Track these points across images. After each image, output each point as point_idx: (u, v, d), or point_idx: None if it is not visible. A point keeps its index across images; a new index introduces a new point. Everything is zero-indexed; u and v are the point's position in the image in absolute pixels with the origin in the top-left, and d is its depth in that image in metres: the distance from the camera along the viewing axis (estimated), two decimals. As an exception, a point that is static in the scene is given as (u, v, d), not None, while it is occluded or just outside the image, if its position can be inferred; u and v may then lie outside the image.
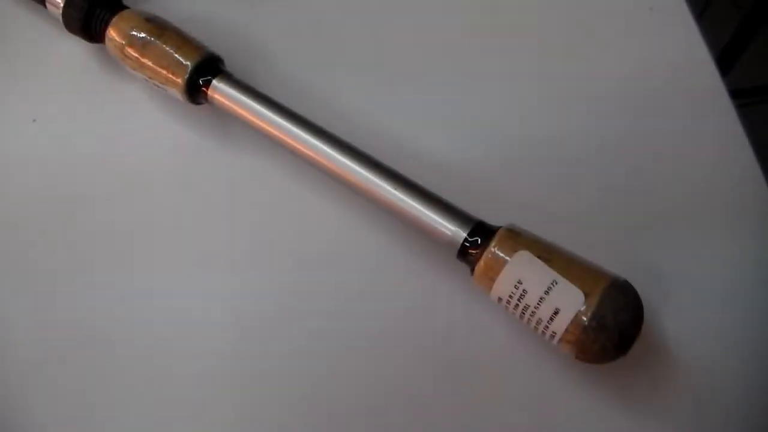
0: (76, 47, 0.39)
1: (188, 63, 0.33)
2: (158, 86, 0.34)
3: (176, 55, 0.33)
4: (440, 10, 0.39)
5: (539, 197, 0.33)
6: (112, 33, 0.35)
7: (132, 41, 0.34)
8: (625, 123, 0.35)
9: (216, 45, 0.35)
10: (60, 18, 0.37)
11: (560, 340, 0.27)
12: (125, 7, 0.37)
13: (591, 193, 0.34)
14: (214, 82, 0.33)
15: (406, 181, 0.30)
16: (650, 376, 0.30)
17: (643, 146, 0.34)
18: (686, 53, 0.36)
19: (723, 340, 0.30)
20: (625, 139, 0.35)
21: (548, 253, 0.27)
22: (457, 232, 0.28)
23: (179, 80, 0.33)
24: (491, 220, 0.29)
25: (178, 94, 0.34)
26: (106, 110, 0.38)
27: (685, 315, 0.30)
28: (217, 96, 0.33)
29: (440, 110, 0.36)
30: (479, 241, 0.28)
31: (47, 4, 0.38)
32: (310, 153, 0.31)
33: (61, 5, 0.37)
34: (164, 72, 0.33)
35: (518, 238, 0.28)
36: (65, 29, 0.38)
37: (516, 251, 0.27)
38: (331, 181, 0.32)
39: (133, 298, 0.33)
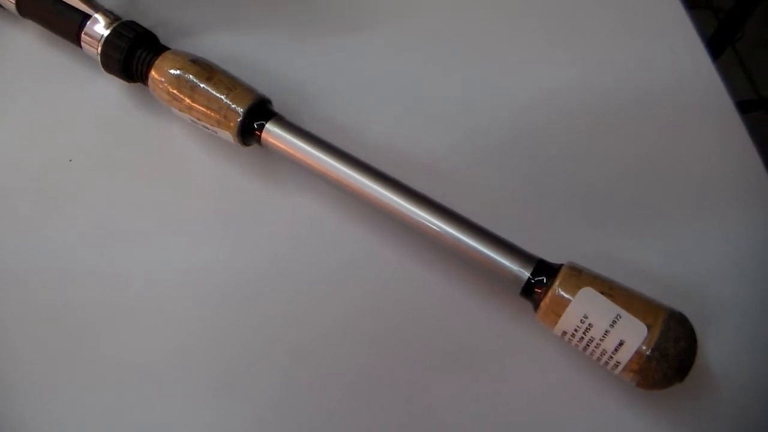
0: (110, 86, 0.39)
1: (241, 108, 0.33)
2: (207, 128, 0.35)
3: (227, 100, 0.33)
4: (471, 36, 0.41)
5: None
6: (156, 75, 0.35)
7: (180, 84, 0.34)
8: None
9: (254, 83, 0.35)
10: (97, 58, 0.37)
11: (623, 369, 0.28)
12: (166, 48, 0.37)
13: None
14: (268, 125, 0.33)
15: (467, 221, 0.31)
16: (697, 395, 0.32)
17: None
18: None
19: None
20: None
21: (609, 289, 0.29)
22: (520, 272, 0.30)
23: (232, 124, 0.33)
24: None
25: (229, 137, 0.34)
26: (145, 149, 0.38)
27: (727, 334, 0.33)
28: (270, 139, 0.33)
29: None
30: (545, 280, 0.30)
31: (82, 44, 0.38)
32: (370, 195, 0.32)
33: (99, 45, 0.37)
34: (215, 115, 0.34)
35: (580, 276, 0.29)
36: (102, 69, 0.37)
37: (580, 288, 0.29)
38: (388, 221, 0.33)
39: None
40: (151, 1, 0.42)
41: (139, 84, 0.38)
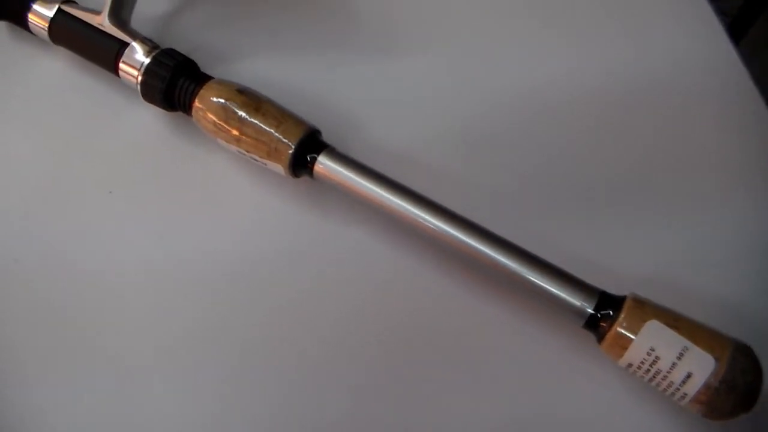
0: (147, 114, 0.38)
1: (292, 141, 0.33)
2: (256, 160, 0.34)
3: (278, 132, 0.33)
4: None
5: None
6: (200, 105, 0.35)
7: (227, 115, 0.34)
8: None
9: (296, 108, 0.35)
10: (136, 87, 0.36)
11: (691, 400, 0.29)
12: (209, 76, 0.36)
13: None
14: (320, 158, 0.33)
15: (528, 254, 0.31)
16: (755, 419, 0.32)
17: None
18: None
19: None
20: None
21: (675, 321, 0.29)
22: (584, 305, 0.30)
23: (284, 157, 0.33)
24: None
25: (280, 170, 0.34)
26: (187, 180, 0.37)
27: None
28: (323, 172, 0.33)
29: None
30: (611, 313, 0.30)
31: (120, 73, 0.37)
32: (426, 228, 0.32)
33: (139, 74, 0.36)
34: (266, 148, 0.33)
35: (645, 308, 0.29)
36: (141, 98, 0.37)
37: (645, 321, 0.29)
38: (443, 253, 0.33)
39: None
40: (184, 26, 0.42)
41: (179, 113, 0.37)
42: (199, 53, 0.38)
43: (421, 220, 0.32)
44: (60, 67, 0.40)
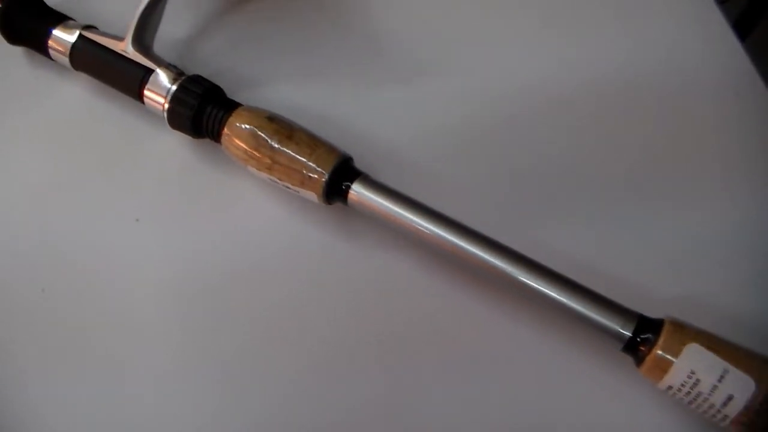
0: (172, 140, 0.38)
1: (326, 169, 0.33)
2: (289, 188, 0.34)
3: (311, 160, 0.33)
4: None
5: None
6: (230, 133, 0.34)
7: (258, 143, 0.34)
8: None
9: (324, 133, 0.35)
10: (162, 114, 0.36)
11: (732, 422, 0.29)
12: (237, 103, 0.36)
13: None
14: (354, 186, 0.33)
15: (564, 279, 0.31)
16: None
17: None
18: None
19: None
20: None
21: (714, 344, 0.29)
22: (622, 329, 0.30)
23: (317, 185, 0.33)
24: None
25: (314, 197, 0.33)
26: (215, 206, 0.37)
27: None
28: (357, 199, 0.33)
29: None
30: (650, 338, 0.30)
31: (145, 100, 0.37)
32: (461, 253, 0.32)
33: (166, 102, 0.36)
34: (299, 176, 0.33)
35: (684, 331, 0.30)
36: (167, 124, 0.36)
37: (685, 344, 0.29)
38: (477, 278, 0.33)
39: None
40: (204, 50, 0.41)
41: (205, 139, 0.37)
42: (222, 78, 0.38)
43: (455, 246, 0.32)
44: (81, 93, 0.40)
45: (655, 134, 0.38)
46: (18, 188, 0.38)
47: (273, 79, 0.40)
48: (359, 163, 0.35)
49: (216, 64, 0.40)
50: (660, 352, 0.29)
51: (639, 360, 0.30)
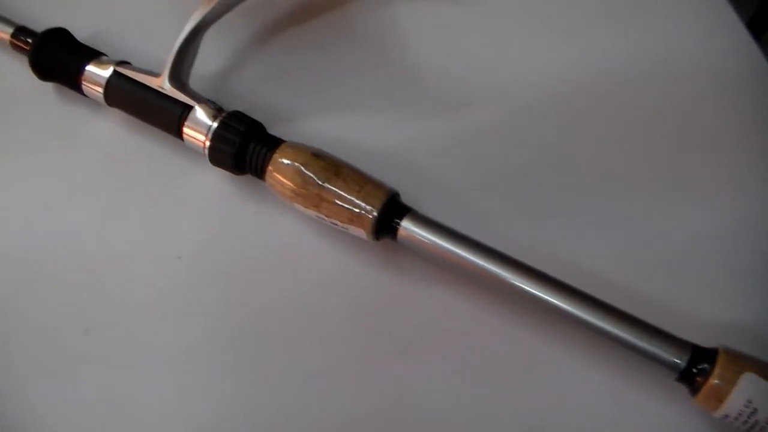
0: (210, 176, 0.38)
1: (375, 206, 0.33)
2: (337, 225, 0.34)
3: (360, 198, 0.33)
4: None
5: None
6: (275, 172, 0.34)
7: (305, 181, 0.34)
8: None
9: (366, 168, 0.35)
10: (202, 151, 0.36)
11: (788, 449, 0.30)
12: (279, 139, 0.36)
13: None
14: (404, 223, 0.33)
15: (617, 310, 0.31)
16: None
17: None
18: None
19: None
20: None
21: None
22: (677, 360, 0.30)
23: (366, 222, 0.33)
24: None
25: (362, 234, 0.33)
26: (258, 242, 0.37)
27: None
28: (407, 236, 0.33)
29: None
30: (706, 368, 0.30)
31: (185, 137, 0.36)
32: (511, 286, 0.32)
33: (207, 139, 0.36)
34: (348, 213, 0.33)
35: (738, 360, 0.30)
36: (208, 161, 0.36)
37: (740, 374, 0.30)
38: (527, 310, 0.33)
39: None
40: (238, 84, 0.41)
41: (246, 175, 0.37)
42: (258, 112, 0.37)
43: (504, 279, 0.32)
44: (114, 129, 0.40)
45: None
46: (57, 227, 0.38)
47: (309, 112, 0.40)
48: (405, 198, 0.35)
49: (251, 97, 0.40)
50: (716, 381, 0.30)
51: (694, 389, 0.31)
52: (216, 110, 0.36)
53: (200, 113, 0.36)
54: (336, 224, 0.34)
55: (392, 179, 0.35)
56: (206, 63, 0.39)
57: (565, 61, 0.41)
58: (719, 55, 0.40)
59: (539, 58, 0.41)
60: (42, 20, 0.42)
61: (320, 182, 0.33)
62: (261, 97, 0.40)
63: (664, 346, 0.31)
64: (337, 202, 0.33)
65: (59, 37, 0.41)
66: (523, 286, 0.32)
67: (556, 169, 0.38)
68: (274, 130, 0.37)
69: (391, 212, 0.33)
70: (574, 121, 0.39)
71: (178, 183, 0.38)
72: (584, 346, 0.33)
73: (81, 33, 0.42)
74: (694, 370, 0.30)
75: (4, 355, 0.35)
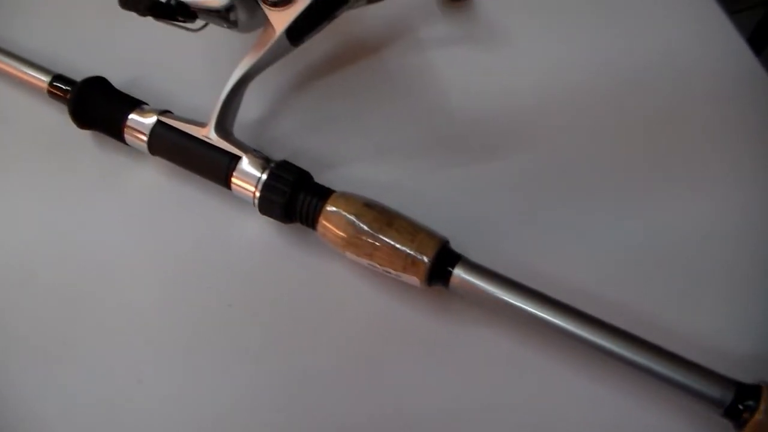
0: (257, 223, 0.38)
1: (427, 255, 0.34)
2: (390, 273, 0.35)
3: (412, 247, 0.34)
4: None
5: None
6: (327, 222, 0.35)
7: (358, 231, 0.34)
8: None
9: (414, 214, 0.36)
10: (251, 200, 0.37)
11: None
12: (328, 189, 0.37)
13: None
14: (456, 270, 0.34)
15: (662, 350, 0.32)
16: None
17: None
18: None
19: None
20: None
21: (811, 407, 0.32)
22: (723, 396, 0.32)
23: (420, 271, 0.34)
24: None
25: (416, 282, 0.34)
26: (308, 289, 0.37)
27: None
28: (459, 283, 0.34)
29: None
30: (752, 404, 0.32)
31: (233, 186, 0.37)
32: (560, 328, 0.33)
33: (257, 190, 0.36)
34: (401, 262, 0.34)
35: (781, 395, 0.32)
36: (257, 210, 0.37)
37: (784, 408, 0.32)
38: (575, 352, 0.34)
39: None
40: (280, 131, 0.42)
41: (295, 224, 0.37)
42: (300, 159, 0.38)
43: (553, 323, 0.33)
44: (157, 177, 0.40)
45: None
46: (104, 275, 0.38)
47: (350, 158, 0.40)
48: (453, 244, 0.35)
49: (292, 144, 0.41)
50: (761, 417, 0.31)
51: (740, 424, 0.32)
52: (263, 160, 0.37)
53: (248, 163, 0.37)
54: (389, 272, 0.35)
55: (437, 222, 0.36)
56: (246, 110, 0.40)
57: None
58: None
59: (575, 99, 0.42)
60: (75, 66, 0.42)
61: (373, 233, 0.34)
62: (301, 144, 0.41)
63: (710, 383, 0.32)
64: (391, 251, 0.34)
65: (98, 85, 0.41)
66: (574, 330, 0.33)
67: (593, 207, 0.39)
68: (317, 176, 0.38)
69: (443, 260, 0.34)
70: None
71: (225, 231, 0.39)
72: (630, 382, 0.34)
73: (115, 79, 0.42)
74: (740, 407, 0.32)
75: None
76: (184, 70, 0.45)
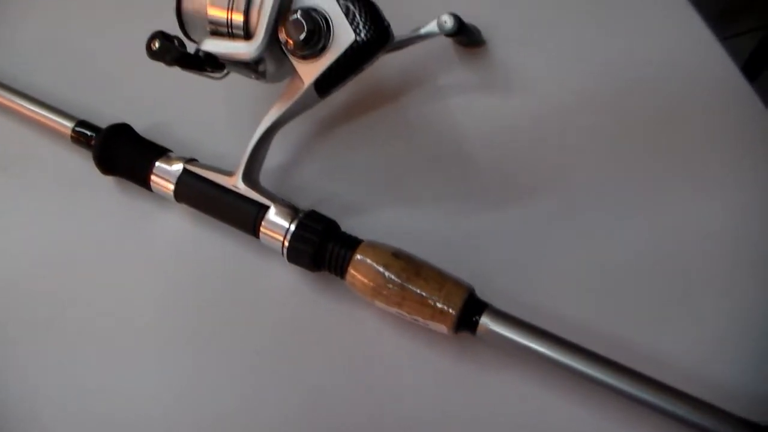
0: (282, 270, 0.39)
1: (456, 303, 0.34)
2: (417, 321, 0.36)
3: (440, 297, 0.34)
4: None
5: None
6: (356, 272, 0.36)
7: (386, 280, 0.35)
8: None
9: (437, 261, 0.36)
10: (278, 249, 0.37)
11: None
12: (356, 239, 0.37)
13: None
14: (483, 319, 0.35)
15: (691, 398, 0.33)
16: None
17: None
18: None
19: None
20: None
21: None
22: (744, 440, 0.33)
23: (448, 319, 0.35)
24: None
25: (443, 329, 0.35)
26: (335, 337, 0.38)
27: None
28: (486, 331, 0.35)
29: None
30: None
31: (261, 236, 0.38)
32: (588, 375, 0.34)
33: (285, 239, 0.37)
34: (429, 311, 0.35)
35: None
36: (286, 259, 0.37)
37: (801, 453, 0.33)
38: (601, 398, 0.35)
39: None
40: (303, 179, 0.42)
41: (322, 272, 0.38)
42: (324, 206, 0.39)
43: (581, 371, 0.34)
44: (182, 224, 0.41)
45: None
46: (129, 322, 0.39)
47: (373, 204, 0.41)
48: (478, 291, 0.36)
49: (315, 191, 0.41)
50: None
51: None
52: (291, 209, 0.38)
53: (276, 213, 0.37)
54: (417, 320, 0.36)
55: (461, 265, 0.36)
56: (268, 157, 0.40)
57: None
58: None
59: (594, 141, 0.42)
60: (96, 110, 0.43)
61: (402, 282, 0.35)
62: (324, 191, 0.41)
63: (731, 427, 0.34)
64: (419, 301, 0.35)
65: (123, 132, 0.42)
66: (600, 376, 0.34)
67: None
68: (341, 222, 0.38)
69: (470, 309, 0.35)
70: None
71: (251, 277, 0.39)
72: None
73: (137, 124, 0.43)
74: (761, 451, 0.33)
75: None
76: (206, 116, 0.45)
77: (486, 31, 0.44)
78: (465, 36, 0.43)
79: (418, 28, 0.41)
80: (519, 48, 0.44)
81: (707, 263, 0.38)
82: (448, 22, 0.40)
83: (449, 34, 0.41)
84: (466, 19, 0.41)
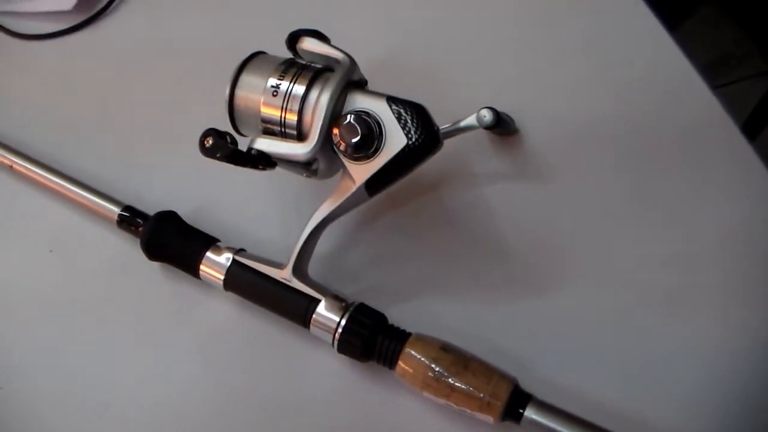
0: (334, 360, 0.40)
1: (502, 396, 0.36)
2: (465, 412, 0.37)
3: (488, 390, 0.37)
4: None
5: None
6: (406, 366, 0.38)
7: (435, 374, 0.37)
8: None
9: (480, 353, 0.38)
10: (331, 342, 0.39)
11: None
12: (405, 332, 0.39)
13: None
14: (527, 411, 0.37)
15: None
16: None
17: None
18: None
19: None
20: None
21: None
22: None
23: (495, 411, 0.37)
24: None
25: (490, 420, 0.37)
26: (382, 425, 0.39)
27: None
28: (530, 421, 0.37)
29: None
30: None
31: (312, 328, 0.39)
32: None
33: (336, 332, 0.39)
34: (477, 403, 0.37)
35: None
36: (336, 351, 0.38)
37: None
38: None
39: None
40: (347, 268, 0.44)
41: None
42: (368, 296, 0.40)
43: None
44: (230, 311, 0.42)
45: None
46: (175, 411, 0.40)
47: (415, 294, 0.43)
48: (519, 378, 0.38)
49: (358, 280, 0.43)
50: None
51: None
52: (340, 302, 0.39)
53: (327, 307, 0.39)
54: (465, 411, 0.38)
55: (503, 354, 0.38)
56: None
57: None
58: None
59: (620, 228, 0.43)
60: (139, 195, 0.45)
61: (450, 376, 0.37)
62: (367, 280, 0.43)
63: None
64: (468, 393, 0.37)
65: (170, 220, 0.43)
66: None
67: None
68: (385, 311, 0.40)
69: (515, 401, 0.37)
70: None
71: (301, 367, 0.41)
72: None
73: (180, 209, 0.44)
74: None
75: None
76: (249, 203, 0.46)
77: (519, 119, 0.45)
78: (501, 127, 0.45)
79: (458, 122, 0.41)
80: (551, 136, 0.45)
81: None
82: (487, 116, 0.41)
83: (487, 127, 0.42)
84: (500, 108, 0.42)
